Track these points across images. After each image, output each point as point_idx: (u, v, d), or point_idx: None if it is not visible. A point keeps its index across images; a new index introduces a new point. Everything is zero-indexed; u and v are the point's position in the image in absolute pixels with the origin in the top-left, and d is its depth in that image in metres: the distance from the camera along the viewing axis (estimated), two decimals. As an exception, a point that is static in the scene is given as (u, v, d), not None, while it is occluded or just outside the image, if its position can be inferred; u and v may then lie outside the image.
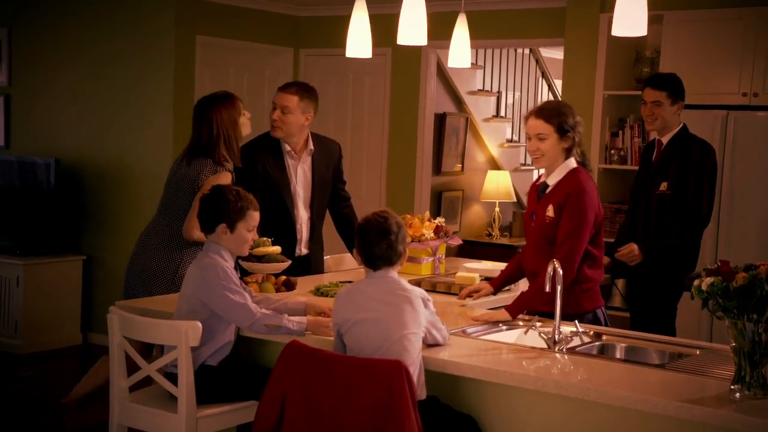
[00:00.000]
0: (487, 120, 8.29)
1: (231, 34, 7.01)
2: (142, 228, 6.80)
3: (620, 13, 3.03)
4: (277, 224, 4.33)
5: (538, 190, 3.64)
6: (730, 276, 2.61)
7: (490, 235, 8.11)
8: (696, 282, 2.68)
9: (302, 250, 4.49)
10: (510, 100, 8.93)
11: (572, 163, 3.56)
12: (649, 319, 4.24)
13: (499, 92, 8.72)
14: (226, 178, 4.07)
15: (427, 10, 6.77)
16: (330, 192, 4.62)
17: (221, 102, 4.23)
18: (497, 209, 8.09)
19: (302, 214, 4.48)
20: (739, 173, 5.43)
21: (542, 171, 3.67)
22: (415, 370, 2.91)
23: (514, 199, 8.24)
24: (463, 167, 8.02)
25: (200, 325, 3.10)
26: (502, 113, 8.80)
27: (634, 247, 4.34)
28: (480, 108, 8.18)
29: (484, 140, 8.33)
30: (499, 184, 8.00)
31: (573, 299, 3.52)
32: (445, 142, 7.67)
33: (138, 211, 6.77)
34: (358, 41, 4.01)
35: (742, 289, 2.57)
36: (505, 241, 8.01)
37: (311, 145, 4.49)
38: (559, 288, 3.23)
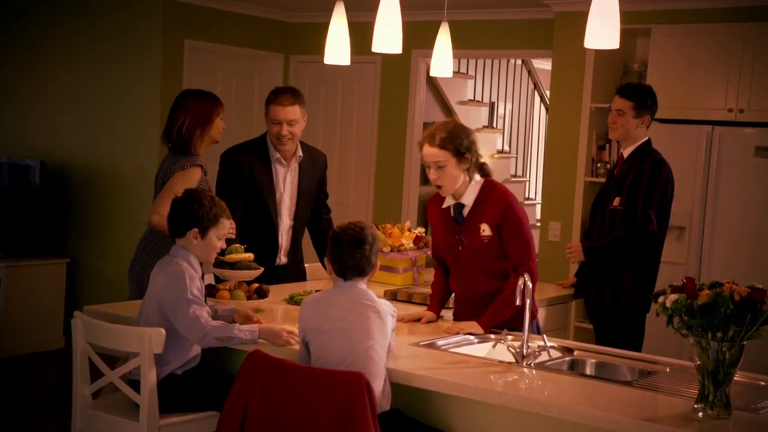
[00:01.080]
0: (477, 130, 8.27)
1: (220, 38, 7.00)
2: (128, 231, 6.86)
3: (593, 26, 3.00)
4: (259, 231, 4.31)
5: (453, 213, 3.57)
6: (694, 293, 2.58)
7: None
8: (661, 299, 2.65)
9: (282, 258, 4.46)
10: (503, 111, 8.92)
11: (478, 178, 3.54)
12: (614, 335, 4.16)
13: (492, 103, 8.71)
14: (195, 174, 4.08)
15: (415, 19, 6.83)
16: (313, 202, 4.59)
17: (202, 96, 4.29)
18: (486, 220, 8.05)
19: (285, 222, 4.45)
20: (723, 189, 5.41)
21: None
22: (380, 382, 2.89)
23: (503, 210, 8.21)
24: (451, 177, 7.99)
25: (164, 332, 3.06)
26: (497, 124, 8.79)
27: (579, 245, 4.29)
28: (470, 118, 8.17)
29: (474, 151, 8.31)
30: (487, 195, 7.96)
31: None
32: (433, 151, 7.64)
33: (123, 214, 6.75)
34: (337, 48, 3.99)
35: (705, 307, 2.54)
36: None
37: (300, 152, 4.47)
38: (528, 302, 3.21)
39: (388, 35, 3.62)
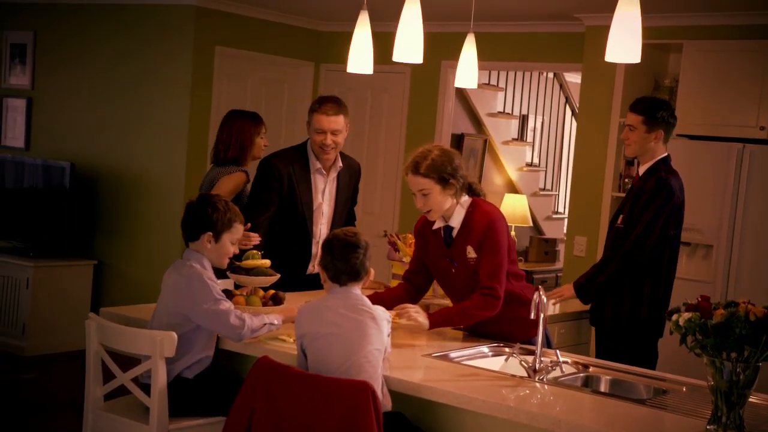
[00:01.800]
0: (506, 143, 8.24)
1: (251, 46, 7.04)
2: (155, 235, 6.92)
3: (614, 39, 2.96)
4: (293, 240, 4.32)
5: (443, 235, 3.56)
6: (708, 312, 2.53)
7: (504, 258, 8.03)
8: (674, 317, 2.61)
9: (315, 267, 4.44)
10: (535, 124, 8.88)
11: (465, 199, 3.52)
12: (619, 357, 3.94)
13: (525, 116, 8.67)
14: (240, 177, 4.53)
15: (446, 30, 6.82)
16: (348, 211, 4.60)
17: (244, 117, 4.75)
18: (513, 233, 8.00)
19: (323, 232, 4.44)
20: (753, 208, 5.32)
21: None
22: (378, 385, 2.89)
23: (531, 224, 8.16)
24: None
25: (176, 336, 3.07)
26: (528, 137, 8.75)
27: (569, 288, 4.15)
28: (500, 130, 8.13)
29: (503, 163, 8.27)
30: (515, 208, 7.92)
31: (523, 324, 3.48)
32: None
33: (150, 218, 6.81)
34: (360, 57, 3.98)
35: (719, 327, 2.49)
36: (520, 266, 7.90)
37: (340, 162, 4.47)
38: (542, 316, 3.17)
39: (409, 45, 3.60)
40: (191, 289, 3.16)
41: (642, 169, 4.19)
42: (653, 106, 4.13)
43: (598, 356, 4.00)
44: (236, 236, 3.33)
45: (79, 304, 6.86)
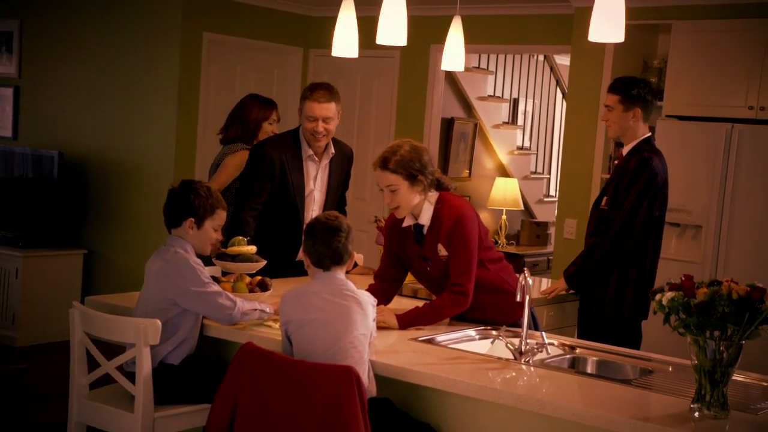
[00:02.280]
0: (497, 126, 8.21)
1: (239, 31, 7.00)
2: (144, 223, 6.90)
3: (597, 18, 2.94)
4: (284, 226, 4.29)
5: (414, 233, 3.52)
6: (691, 291, 2.52)
7: (496, 243, 8.02)
8: (658, 296, 2.60)
9: None
10: (527, 107, 8.85)
11: (433, 195, 3.48)
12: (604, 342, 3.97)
13: (516, 99, 8.64)
14: (243, 156, 4.56)
15: (435, 14, 6.79)
16: (339, 196, 4.58)
17: (257, 100, 4.91)
18: (504, 217, 8.00)
19: None
20: (742, 188, 5.31)
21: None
22: (365, 370, 2.89)
23: (522, 208, 8.15)
24: (470, 173, 7.95)
25: (159, 323, 3.06)
26: (519, 120, 8.72)
27: (561, 282, 4.15)
28: (490, 114, 8.11)
29: (494, 147, 8.25)
30: (506, 192, 7.91)
31: (507, 308, 3.51)
32: (452, 147, 7.61)
33: (140, 206, 6.78)
34: (345, 40, 3.96)
35: (702, 305, 2.49)
36: (511, 249, 7.92)
37: (332, 149, 4.44)
38: (527, 298, 3.16)
39: (393, 27, 3.58)
40: (179, 273, 3.15)
41: (625, 150, 4.16)
42: (629, 85, 4.10)
43: (580, 338, 4.00)
44: (219, 222, 3.32)
45: (69, 294, 6.82)
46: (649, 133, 4.16)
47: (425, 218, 3.47)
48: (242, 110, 4.87)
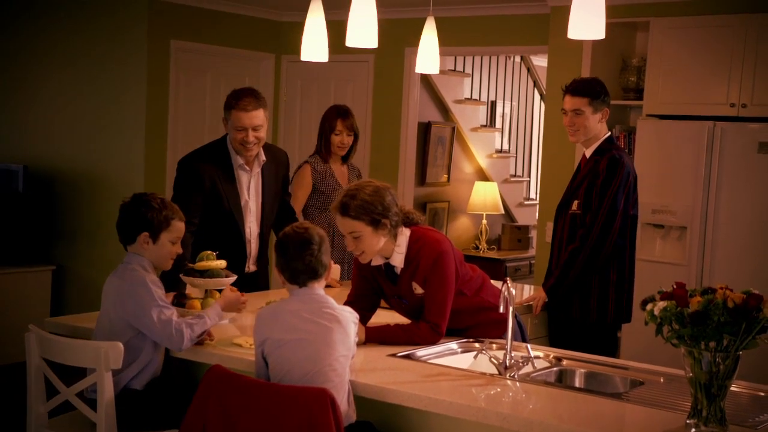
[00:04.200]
0: (475, 129, 8.08)
1: (208, 38, 6.82)
2: (115, 237, 6.62)
3: (577, 14, 2.80)
4: (225, 241, 4.07)
5: (386, 272, 3.32)
6: (684, 300, 2.37)
7: (477, 248, 7.89)
8: (649, 306, 2.45)
9: (251, 266, 4.24)
10: (505, 110, 8.72)
11: (403, 234, 3.26)
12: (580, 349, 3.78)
13: (493, 101, 8.52)
14: (303, 170, 4.77)
15: (408, 16, 6.64)
16: (278, 205, 4.38)
17: (331, 110, 4.92)
18: (484, 221, 7.86)
19: (253, 230, 4.22)
20: (726, 187, 5.19)
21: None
22: (344, 394, 2.72)
23: (502, 211, 8.02)
24: (449, 178, 7.80)
25: (122, 346, 2.88)
26: (497, 123, 8.59)
27: (540, 293, 4.02)
28: (467, 117, 7.97)
29: (472, 150, 8.11)
30: (486, 196, 7.77)
31: (490, 324, 3.37)
32: (429, 151, 7.46)
33: (110, 220, 6.45)
34: (314, 45, 3.80)
35: (696, 315, 2.34)
36: (492, 254, 7.78)
37: (263, 156, 4.22)
38: (510, 309, 3.01)
39: (363, 29, 3.42)
40: (133, 294, 2.97)
41: (588, 152, 4.05)
42: (594, 86, 4.02)
43: (552, 346, 3.86)
44: (176, 235, 3.14)
45: (38, 312, 6.59)
46: (609, 132, 4.08)
47: (397, 260, 3.26)
48: (321, 121, 4.90)
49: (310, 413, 2.49)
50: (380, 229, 3.18)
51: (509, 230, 8.07)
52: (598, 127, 4.00)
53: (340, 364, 2.72)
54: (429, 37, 4.32)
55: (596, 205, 3.87)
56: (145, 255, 3.09)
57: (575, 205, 3.96)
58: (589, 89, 3.98)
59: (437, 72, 4.51)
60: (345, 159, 4.96)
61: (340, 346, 2.74)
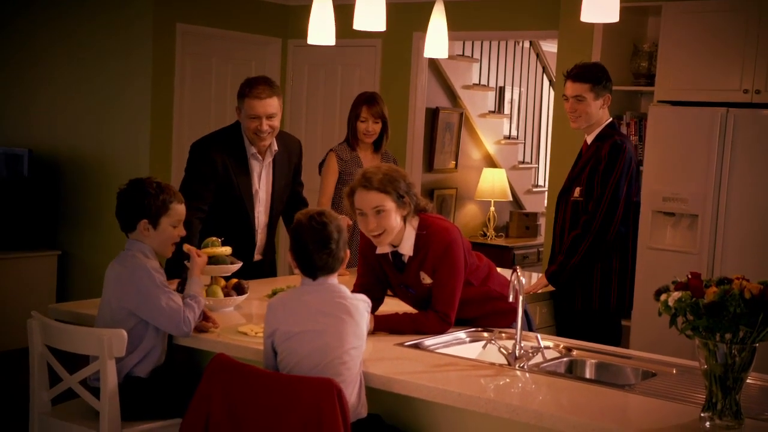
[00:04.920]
0: (483, 115, 8.00)
1: (214, 22, 6.75)
2: (121, 223, 6.64)
3: (590, -2, 2.73)
4: (234, 229, 4.02)
5: (393, 260, 3.24)
6: (700, 291, 2.32)
7: (485, 235, 7.82)
8: (663, 296, 2.39)
9: (258, 255, 4.19)
10: (512, 96, 8.64)
11: (414, 221, 3.18)
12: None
13: (501, 87, 8.44)
14: (329, 158, 4.65)
15: (416, 0, 6.56)
16: (288, 194, 4.32)
17: (357, 97, 4.77)
18: (492, 208, 7.79)
19: (261, 219, 4.17)
20: (739, 175, 5.10)
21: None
22: (354, 387, 2.66)
23: (510, 198, 7.95)
24: (456, 164, 7.73)
25: (125, 333, 2.83)
26: (506, 109, 8.51)
27: (542, 280, 3.97)
28: (476, 103, 7.89)
29: (480, 137, 8.04)
30: (494, 183, 7.70)
31: (498, 315, 3.31)
32: (437, 137, 7.39)
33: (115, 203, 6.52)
34: (321, 28, 3.74)
35: (712, 306, 2.28)
36: (500, 241, 7.72)
37: (275, 146, 4.14)
38: (521, 299, 2.95)
39: (370, 12, 3.36)
40: (134, 280, 2.93)
41: (590, 138, 4.01)
42: (597, 71, 3.99)
43: (559, 335, 3.81)
44: (177, 218, 3.08)
45: (44, 298, 6.57)
46: (611, 118, 4.04)
47: (407, 247, 3.17)
48: (351, 108, 4.77)
49: (317, 404, 2.44)
50: (402, 209, 3.10)
51: (517, 217, 8.00)
52: (600, 113, 3.96)
53: (351, 357, 2.65)
54: (438, 20, 4.25)
55: (599, 192, 3.83)
56: (146, 242, 3.04)
57: (577, 191, 3.92)
58: (590, 75, 3.93)
59: (446, 56, 4.44)
60: (377, 147, 4.80)
61: (352, 338, 2.67)
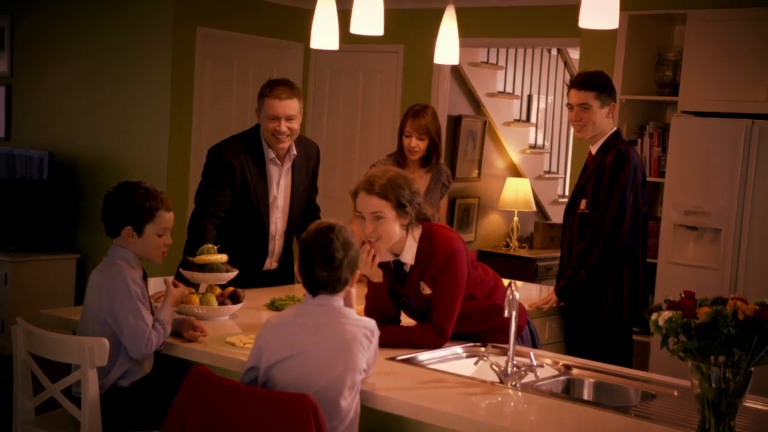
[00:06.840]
0: (507, 124, 7.88)
1: (235, 26, 6.72)
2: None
3: (589, 3, 2.63)
4: (248, 235, 3.96)
5: (394, 269, 3.15)
6: (692, 311, 2.20)
7: (507, 245, 7.70)
8: (653, 316, 2.28)
9: (273, 263, 4.11)
10: (541, 104, 8.50)
11: (417, 231, 3.09)
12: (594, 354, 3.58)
13: (530, 96, 8.31)
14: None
15: (439, 6, 6.46)
16: (305, 200, 4.24)
17: (408, 109, 4.49)
18: (516, 219, 7.67)
19: (279, 227, 4.09)
20: (763, 187, 4.95)
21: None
22: (348, 415, 2.54)
23: (535, 209, 7.81)
24: (479, 173, 7.62)
25: (107, 342, 2.78)
26: (532, 118, 8.38)
27: (551, 295, 3.86)
28: (500, 111, 7.77)
29: (504, 145, 7.92)
30: (518, 193, 7.57)
31: (502, 328, 3.15)
32: (459, 146, 7.28)
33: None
34: (324, 32, 3.67)
35: (704, 327, 2.16)
36: (524, 252, 7.59)
37: (294, 150, 4.07)
38: (514, 314, 2.85)
39: (367, 15, 3.28)
40: (112, 291, 2.87)
41: (594, 148, 3.92)
42: (602, 79, 3.90)
43: (569, 353, 3.69)
44: (163, 226, 3.00)
45: (62, 300, 6.58)
46: (616, 127, 3.95)
47: (408, 257, 3.08)
48: None
49: (290, 419, 2.36)
50: (402, 217, 3.02)
51: (542, 228, 7.86)
52: (605, 122, 3.87)
53: (345, 386, 2.52)
54: (448, 26, 4.18)
55: (604, 203, 3.72)
56: (130, 248, 2.97)
57: (583, 204, 3.81)
58: (595, 83, 3.85)
59: (456, 63, 4.36)
60: (425, 164, 4.45)
61: (349, 365, 2.55)
